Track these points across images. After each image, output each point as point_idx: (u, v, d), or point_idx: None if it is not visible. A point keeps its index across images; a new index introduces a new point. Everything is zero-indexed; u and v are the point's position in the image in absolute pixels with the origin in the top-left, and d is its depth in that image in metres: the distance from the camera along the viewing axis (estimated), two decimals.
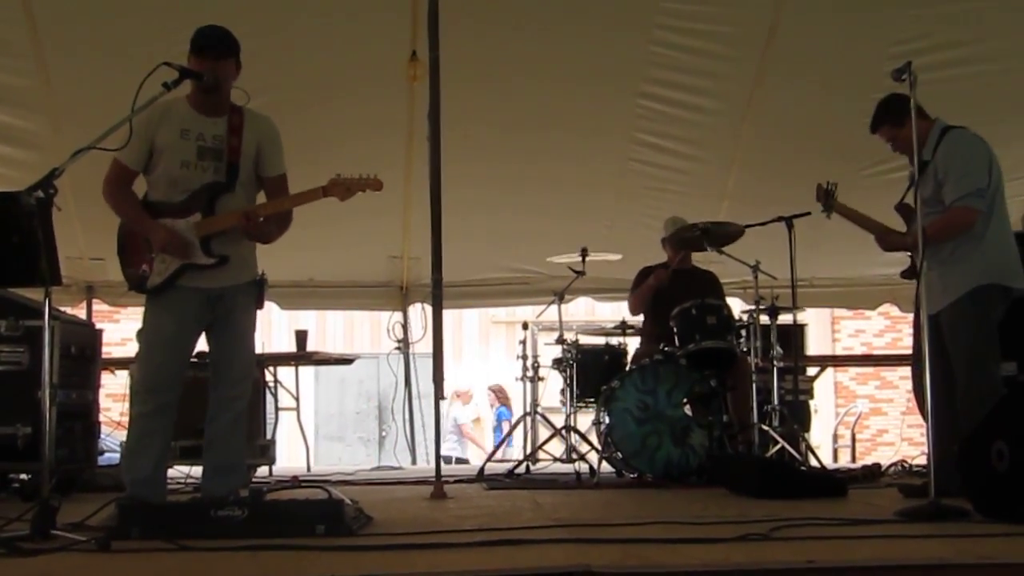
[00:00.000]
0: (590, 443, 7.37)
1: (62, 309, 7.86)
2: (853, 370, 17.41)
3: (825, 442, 15.44)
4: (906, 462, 7.39)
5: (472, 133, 7.91)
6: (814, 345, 16.77)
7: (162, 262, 4.81)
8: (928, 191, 5.27)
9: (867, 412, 17.07)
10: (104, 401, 7.37)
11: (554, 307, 8.08)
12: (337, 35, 7.47)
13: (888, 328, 17.80)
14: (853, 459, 13.22)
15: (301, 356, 9.23)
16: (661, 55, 7.75)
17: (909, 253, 5.58)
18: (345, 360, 10.05)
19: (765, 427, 7.02)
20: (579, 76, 7.91)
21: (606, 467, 7.13)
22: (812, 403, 9.20)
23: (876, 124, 5.60)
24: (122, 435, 5.11)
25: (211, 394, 4.96)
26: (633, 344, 7.89)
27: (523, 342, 8.26)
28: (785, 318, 7.54)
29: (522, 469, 7.65)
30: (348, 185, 4.88)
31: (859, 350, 18.06)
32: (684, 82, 8.02)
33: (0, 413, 6.14)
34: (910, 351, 6.09)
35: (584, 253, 7.71)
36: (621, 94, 8.18)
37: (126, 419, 5.33)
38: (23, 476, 6.42)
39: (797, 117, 8.18)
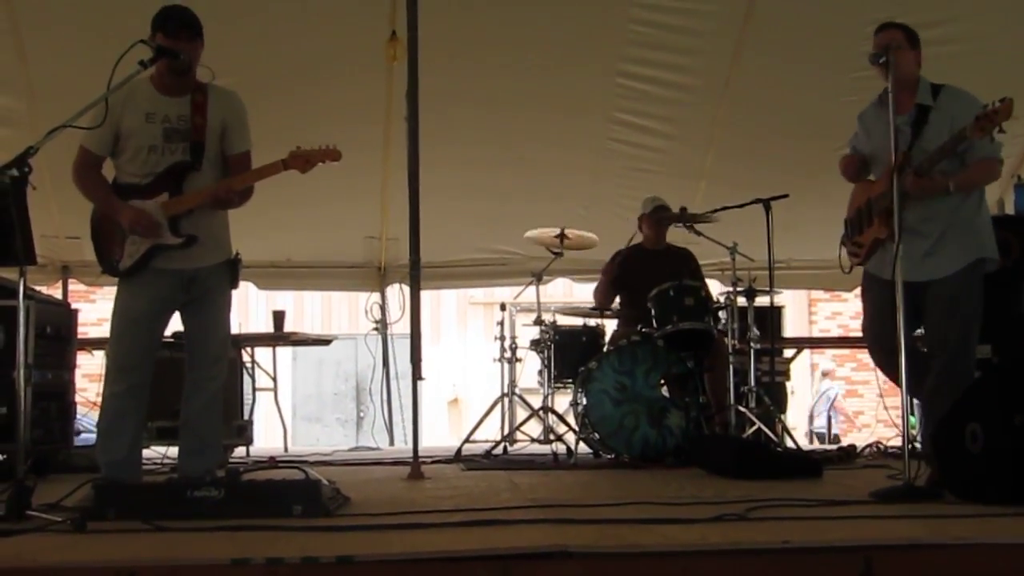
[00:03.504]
0: (567, 424, 7.39)
1: (38, 289, 7.82)
2: (830, 352, 17.48)
3: (802, 423, 15.54)
4: (880, 443, 7.43)
5: (448, 113, 7.88)
6: (791, 327, 16.85)
7: (132, 244, 4.79)
8: (936, 142, 4.94)
9: (844, 394, 17.17)
10: (80, 381, 7.35)
11: (532, 288, 8.08)
12: (315, 14, 7.44)
13: None
14: (828, 440, 13.31)
15: (279, 337, 9.20)
16: (639, 32, 7.76)
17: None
18: (323, 341, 10.03)
19: (742, 408, 7.05)
20: (558, 54, 7.91)
21: (583, 448, 7.15)
22: (789, 385, 9.24)
23: (893, 25, 5.19)
24: (97, 415, 5.09)
25: (187, 375, 4.94)
26: (611, 325, 7.91)
27: (501, 323, 8.26)
28: (762, 300, 7.56)
29: (499, 450, 7.67)
30: (308, 157, 4.88)
31: (836, 332, 18.16)
32: (662, 60, 8.03)
33: None
34: None
35: (562, 236, 7.70)
36: (600, 72, 8.18)
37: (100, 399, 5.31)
38: None
39: (774, 96, 8.19)
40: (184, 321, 5.00)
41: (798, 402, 10.49)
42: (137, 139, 4.79)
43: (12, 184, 3.93)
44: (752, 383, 7.22)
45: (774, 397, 7.63)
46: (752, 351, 7.24)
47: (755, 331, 7.27)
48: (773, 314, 8.06)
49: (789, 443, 7.57)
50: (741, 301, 7.35)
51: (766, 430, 6.94)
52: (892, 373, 5.05)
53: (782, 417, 7.91)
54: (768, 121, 8.47)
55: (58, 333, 6.71)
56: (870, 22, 5.49)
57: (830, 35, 7.49)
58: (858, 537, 3.27)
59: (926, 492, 4.38)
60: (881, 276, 5.10)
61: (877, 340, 5.20)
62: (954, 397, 4.69)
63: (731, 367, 7.09)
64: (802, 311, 18.39)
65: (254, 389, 8.75)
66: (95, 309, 12.56)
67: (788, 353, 9.50)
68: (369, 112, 8.30)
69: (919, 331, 5.30)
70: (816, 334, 18.27)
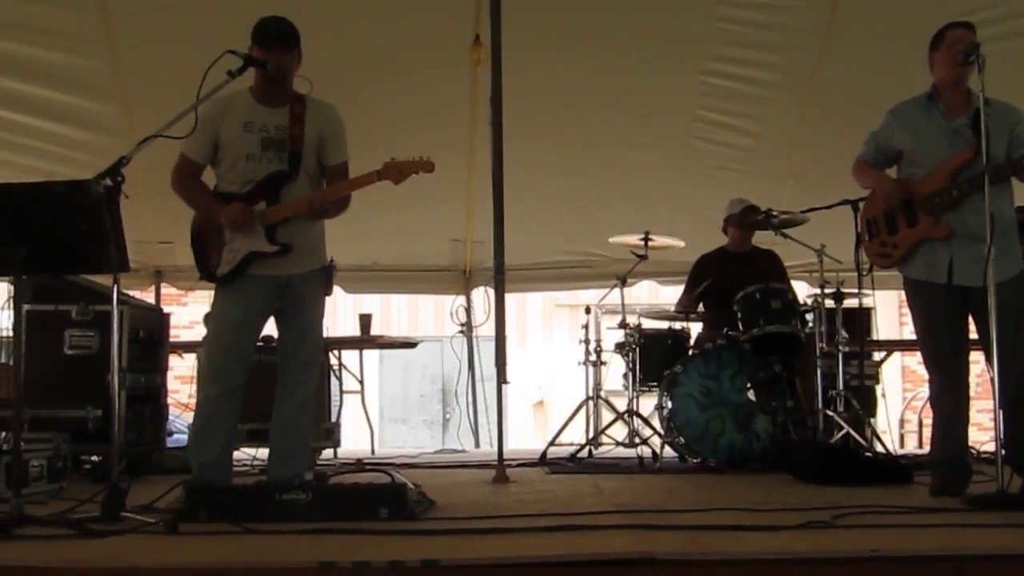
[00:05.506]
0: (653, 428, 7.35)
1: (131, 293, 7.99)
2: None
3: (893, 427, 15.28)
4: (974, 448, 7.27)
5: (532, 115, 7.88)
6: (882, 329, 16.56)
7: (230, 251, 4.88)
8: (997, 144, 4.79)
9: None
10: (172, 383, 7.49)
11: (617, 291, 8.06)
12: (401, 19, 7.50)
13: None
14: (920, 445, 13.07)
15: (365, 340, 9.29)
16: (724, 30, 7.69)
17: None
18: (409, 344, 10.11)
19: (830, 412, 6.96)
20: (642, 53, 7.87)
21: (668, 452, 7.11)
22: (878, 388, 9.09)
23: (970, 25, 5.01)
24: (190, 416, 5.19)
25: (279, 379, 5.01)
26: (696, 328, 7.85)
27: (585, 326, 8.25)
28: (852, 302, 7.46)
29: (584, 453, 7.65)
30: (401, 168, 4.91)
31: None
32: (747, 57, 7.94)
33: (71, 396, 6.28)
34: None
35: (647, 238, 7.67)
36: (685, 71, 8.12)
37: (194, 401, 5.41)
38: (94, 458, 6.54)
39: (861, 92, 8.02)
40: (278, 326, 5.08)
41: (889, 405, 10.33)
42: (234, 148, 4.88)
43: (106, 193, 4.02)
44: (840, 387, 7.11)
45: (863, 401, 7.52)
46: (840, 354, 7.15)
47: (843, 334, 7.18)
48: (862, 316, 7.93)
49: (879, 448, 7.45)
50: (829, 303, 7.26)
51: (855, 434, 6.84)
52: (957, 380, 4.96)
53: (871, 421, 7.79)
54: (855, 118, 8.24)
55: (151, 337, 6.85)
56: (960, 14, 5.38)
57: (918, 29, 7.25)
58: (948, 546, 3.22)
59: (1019, 500, 4.29)
60: (934, 281, 4.96)
61: (941, 350, 5.02)
62: None
63: (819, 370, 7.00)
64: (893, 313, 18.05)
65: (341, 392, 8.83)
66: (187, 312, 12.78)
67: (878, 356, 9.35)
68: (454, 115, 8.35)
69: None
70: (908, 336, 17.95)
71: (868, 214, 5.30)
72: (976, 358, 5.07)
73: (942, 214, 4.91)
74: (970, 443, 7.00)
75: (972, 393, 5.12)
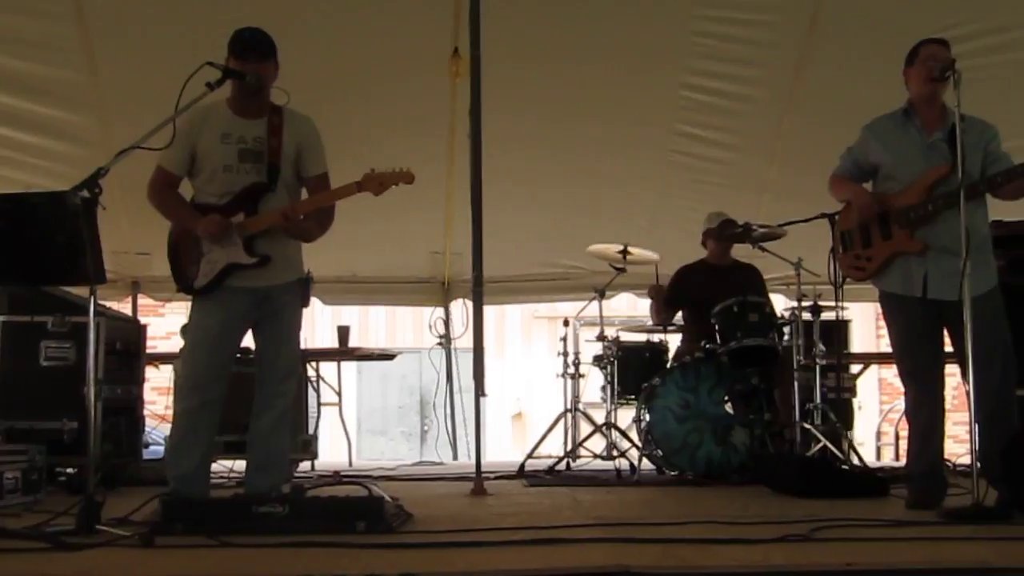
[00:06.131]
0: (631, 440, 7.36)
1: (108, 304, 7.96)
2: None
3: (870, 440, 15.33)
4: (950, 461, 7.30)
5: (511, 126, 7.90)
6: (859, 342, 16.63)
7: (208, 263, 4.87)
8: (972, 159, 4.83)
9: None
10: (149, 394, 7.45)
11: (595, 303, 8.07)
12: (380, 32, 7.49)
13: None
14: (896, 457, 13.12)
15: (344, 352, 9.28)
16: (703, 44, 7.71)
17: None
18: (387, 356, 10.10)
19: (807, 425, 6.98)
20: (621, 67, 7.88)
21: (647, 464, 7.13)
22: (855, 401, 9.13)
23: (944, 42, 5.06)
24: (167, 428, 5.17)
25: (256, 391, 5.00)
26: (674, 341, 7.87)
27: (564, 338, 8.26)
28: (829, 315, 7.49)
29: (562, 466, 7.66)
30: (381, 179, 4.91)
31: None
32: (726, 71, 7.96)
33: (47, 408, 6.25)
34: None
35: (625, 251, 7.70)
36: (663, 84, 8.13)
37: (171, 412, 5.39)
38: (69, 470, 6.50)
39: (839, 107, 8.06)
40: (256, 338, 5.07)
41: (866, 418, 10.37)
42: (212, 160, 4.87)
43: (83, 205, 4.00)
44: (818, 399, 7.14)
45: (840, 413, 7.55)
46: (817, 367, 7.17)
47: (820, 347, 7.21)
48: (839, 329, 7.96)
49: (855, 460, 7.48)
50: (806, 316, 7.29)
51: (832, 447, 6.86)
52: (932, 393, 5.00)
53: (848, 434, 7.82)
54: (833, 132, 8.26)
55: (127, 348, 6.82)
56: (937, 30, 5.43)
57: (895, 44, 7.33)
58: (924, 560, 3.23)
59: (994, 513, 4.31)
60: (910, 295, 4.99)
61: (916, 363, 5.04)
62: (1014, 405, 4.65)
63: (796, 383, 7.03)
64: (870, 326, 18.13)
65: (319, 404, 8.81)
66: (164, 323, 12.76)
67: (855, 369, 9.39)
68: (433, 126, 8.34)
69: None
70: (884, 349, 18.00)
71: (843, 227, 5.34)
72: (952, 371, 5.09)
73: (916, 228, 4.94)
74: (946, 456, 7.05)
75: (948, 406, 5.15)
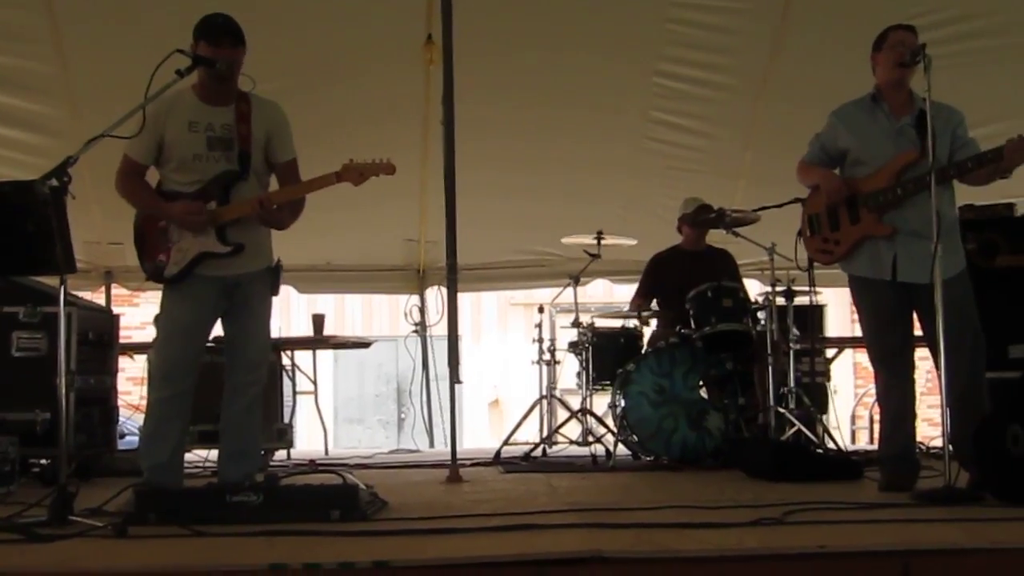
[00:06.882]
0: (606, 426, 7.38)
1: (81, 294, 7.92)
2: None
3: (844, 424, 15.40)
4: (922, 444, 7.34)
5: (484, 113, 7.88)
6: (834, 327, 16.70)
7: (179, 252, 4.84)
8: (940, 144, 4.84)
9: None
10: (123, 384, 7.42)
11: (570, 290, 8.08)
12: (353, 18, 7.46)
13: None
14: (871, 441, 13.19)
15: (319, 340, 9.24)
16: (676, 32, 7.72)
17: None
18: (363, 344, 10.07)
19: (782, 409, 7.01)
20: (595, 54, 7.87)
21: (622, 450, 7.15)
22: (830, 385, 9.17)
23: (912, 28, 5.09)
24: (141, 418, 5.15)
25: (227, 380, 4.98)
26: (649, 327, 7.89)
27: (539, 325, 8.27)
28: (804, 299, 7.52)
29: (538, 452, 7.67)
30: (361, 170, 4.89)
31: None
32: (699, 59, 7.98)
33: (19, 399, 6.21)
34: None
35: (599, 236, 7.71)
36: (637, 71, 8.14)
37: (145, 403, 5.36)
38: (43, 461, 6.47)
39: (812, 93, 8.05)
40: (225, 326, 5.05)
41: (840, 402, 10.44)
42: (180, 149, 4.84)
43: (52, 194, 3.98)
44: (792, 384, 7.17)
45: (814, 398, 7.58)
46: (792, 351, 7.20)
47: (795, 331, 7.23)
48: (814, 313, 8.00)
49: (830, 444, 7.52)
50: (780, 301, 7.31)
51: (806, 431, 6.90)
52: (903, 377, 5.05)
53: (823, 418, 7.86)
54: (806, 118, 8.30)
55: (100, 339, 6.79)
56: (909, 17, 5.45)
57: (868, 31, 7.36)
58: (896, 542, 3.25)
59: (966, 494, 4.34)
60: (879, 278, 5.03)
61: (887, 347, 5.09)
62: (981, 392, 4.74)
63: (770, 368, 7.06)
64: (844, 310, 18.18)
65: (295, 392, 8.80)
66: (138, 313, 12.70)
67: (830, 353, 9.43)
68: (407, 114, 8.32)
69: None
70: (859, 333, 18.04)
71: (810, 210, 5.37)
72: (924, 354, 5.12)
73: (885, 212, 4.97)
74: (919, 439, 7.10)
75: (922, 389, 5.19)
